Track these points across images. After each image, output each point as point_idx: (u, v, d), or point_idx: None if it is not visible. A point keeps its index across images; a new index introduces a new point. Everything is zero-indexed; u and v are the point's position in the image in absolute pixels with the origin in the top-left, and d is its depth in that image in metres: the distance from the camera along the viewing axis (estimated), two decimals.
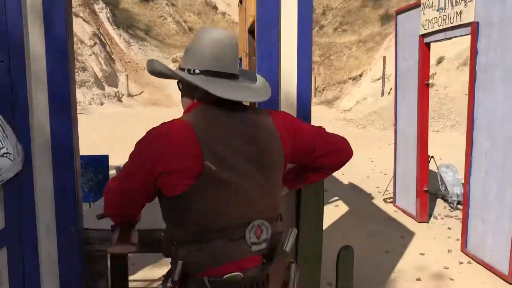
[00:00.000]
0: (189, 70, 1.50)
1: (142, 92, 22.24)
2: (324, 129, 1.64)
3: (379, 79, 18.21)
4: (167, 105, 20.32)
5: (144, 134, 1.48)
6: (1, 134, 1.86)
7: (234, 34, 1.66)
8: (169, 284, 1.49)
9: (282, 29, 1.86)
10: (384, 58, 18.09)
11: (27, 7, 1.82)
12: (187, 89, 1.54)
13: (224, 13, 29.84)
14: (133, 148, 1.49)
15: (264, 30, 1.86)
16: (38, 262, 1.95)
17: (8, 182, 1.89)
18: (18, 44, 1.83)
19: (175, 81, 1.58)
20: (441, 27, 4.52)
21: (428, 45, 4.95)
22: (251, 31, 3.87)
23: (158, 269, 3.66)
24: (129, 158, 1.49)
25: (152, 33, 27.76)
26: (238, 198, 1.47)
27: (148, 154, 1.43)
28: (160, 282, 1.55)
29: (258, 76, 1.61)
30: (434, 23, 4.65)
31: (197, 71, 1.48)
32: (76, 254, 1.97)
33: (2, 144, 1.86)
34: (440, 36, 4.65)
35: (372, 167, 8.06)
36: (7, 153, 1.87)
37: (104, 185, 1.62)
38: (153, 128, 1.47)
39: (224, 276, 1.45)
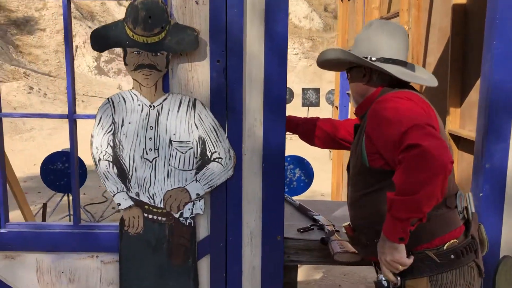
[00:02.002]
0: (365, 57, 1.57)
1: None
2: None
3: None
4: None
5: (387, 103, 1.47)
6: (215, 138, 1.77)
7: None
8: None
9: None
10: None
11: (247, 3, 1.71)
12: (362, 75, 1.60)
13: None
14: None
15: (505, 25, 1.68)
16: (241, 271, 1.87)
17: (217, 188, 1.80)
18: (236, 42, 1.72)
19: None
20: None
21: None
22: None
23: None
24: (406, 117, 1.37)
25: None
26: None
27: (424, 110, 1.42)
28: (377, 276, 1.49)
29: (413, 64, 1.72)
30: None
31: (373, 59, 1.56)
32: (279, 263, 1.87)
33: (214, 148, 1.77)
34: None
35: None
36: (219, 157, 1.78)
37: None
38: (402, 95, 1.47)
39: (445, 245, 1.44)
